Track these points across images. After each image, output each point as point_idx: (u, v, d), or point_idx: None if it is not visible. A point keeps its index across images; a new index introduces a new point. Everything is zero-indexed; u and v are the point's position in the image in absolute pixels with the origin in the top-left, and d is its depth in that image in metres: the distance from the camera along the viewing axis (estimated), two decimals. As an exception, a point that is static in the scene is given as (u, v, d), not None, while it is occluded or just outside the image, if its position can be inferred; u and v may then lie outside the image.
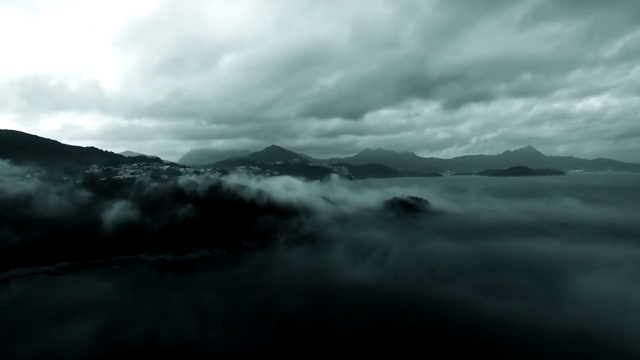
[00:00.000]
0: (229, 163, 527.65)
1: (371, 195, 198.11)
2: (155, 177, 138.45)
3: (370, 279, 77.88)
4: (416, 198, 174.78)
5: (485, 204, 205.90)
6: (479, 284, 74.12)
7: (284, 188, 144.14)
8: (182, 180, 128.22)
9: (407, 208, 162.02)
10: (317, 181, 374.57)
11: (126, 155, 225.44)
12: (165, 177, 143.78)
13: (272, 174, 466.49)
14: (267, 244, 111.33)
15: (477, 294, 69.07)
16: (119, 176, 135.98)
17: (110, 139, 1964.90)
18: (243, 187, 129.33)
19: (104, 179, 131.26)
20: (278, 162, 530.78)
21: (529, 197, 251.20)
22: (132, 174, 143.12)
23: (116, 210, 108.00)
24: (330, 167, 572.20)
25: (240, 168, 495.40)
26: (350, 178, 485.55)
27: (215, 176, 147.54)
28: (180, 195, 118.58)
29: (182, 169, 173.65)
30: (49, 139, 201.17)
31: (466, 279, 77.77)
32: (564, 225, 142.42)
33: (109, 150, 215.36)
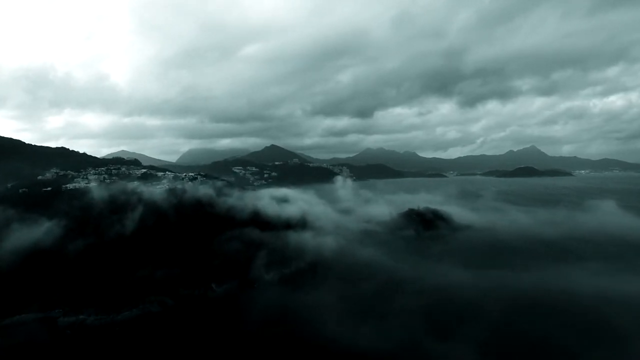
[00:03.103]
0: (225, 164, 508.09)
1: (382, 205, 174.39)
2: (118, 183, 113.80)
3: (353, 343, 57.23)
4: (435, 210, 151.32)
5: (504, 213, 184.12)
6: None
7: (276, 203, 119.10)
8: (128, 192, 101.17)
9: (426, 224, 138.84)
10: (318, 184, 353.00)
11: (101, 157, 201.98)
12: (136, 183, 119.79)
13: (269, 175, 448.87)
14: (247, 284, 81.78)
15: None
16: (68, 185, 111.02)
17: (112, 137, 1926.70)
18: (219, 201, 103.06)
19: (49, 188, 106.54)
20: (277, 163, 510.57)
21: (549, 203, 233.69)
22: (87, 182, 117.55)
23: (30, 236, 78.15)
24: (330, 167, 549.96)
25: (236, 169, 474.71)
26: (352, 179, 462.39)
27: (189, 184, 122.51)
28: (125, 214, 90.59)
29: (160, 173, 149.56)
30: (11, 139, 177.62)
31: (484, 338, 58.07)
32: (606, 244, 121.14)
33: (81, 151, 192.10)
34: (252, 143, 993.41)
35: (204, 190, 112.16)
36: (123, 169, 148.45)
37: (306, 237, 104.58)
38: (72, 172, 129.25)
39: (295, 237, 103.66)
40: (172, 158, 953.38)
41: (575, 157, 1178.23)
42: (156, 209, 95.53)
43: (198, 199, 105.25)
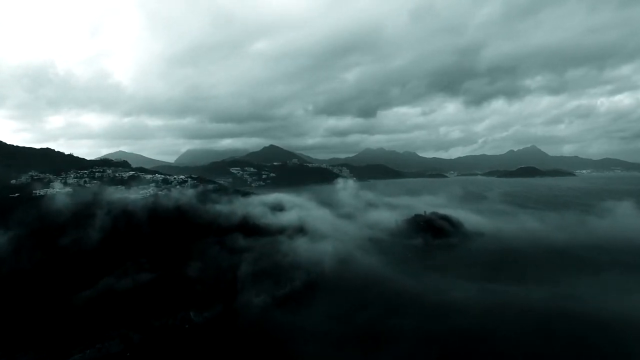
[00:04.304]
0: (223, 164, 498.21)
1: (385, 211, 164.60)
2: (95, 188, 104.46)
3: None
4: (443, 216, 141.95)
5: (513, 217, 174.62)
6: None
7: (269, 210, 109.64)
8: (100, 197, 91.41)
9: (434, 231, 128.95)
10: (317, 185, 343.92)
11: (96, 158, 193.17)
12: (118, 187, 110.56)
13: (268, 176, 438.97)
14: (231, 310, 69.71)
15: None
16: (39, 190, 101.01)
17: (113, 137, 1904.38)
18: (203, 206, 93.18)
19: (16, 194, 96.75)
20: (275, 163, 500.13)
21: (557, 205, 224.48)
22: (62, 186, 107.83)
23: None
24: (330, 168, 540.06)
25: (234, 169, 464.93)
26: (352, 180, 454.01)
27: (177, 188, 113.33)
28: (92, 222, 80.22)
29: (149, 176, 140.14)
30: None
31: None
32: (625, 253, 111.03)
33: (69, 153, 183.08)
34: (253, 143, 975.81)
35: (190, 194, 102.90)
36: (109, 171, 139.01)
37: (302, 249, 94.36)
38: (51, 176, 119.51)
39: (289, 249, 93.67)
40: (171, 158, 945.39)
41: (576, 156, 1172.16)
42: (129, 216, 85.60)
43: (178, 204, 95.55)
